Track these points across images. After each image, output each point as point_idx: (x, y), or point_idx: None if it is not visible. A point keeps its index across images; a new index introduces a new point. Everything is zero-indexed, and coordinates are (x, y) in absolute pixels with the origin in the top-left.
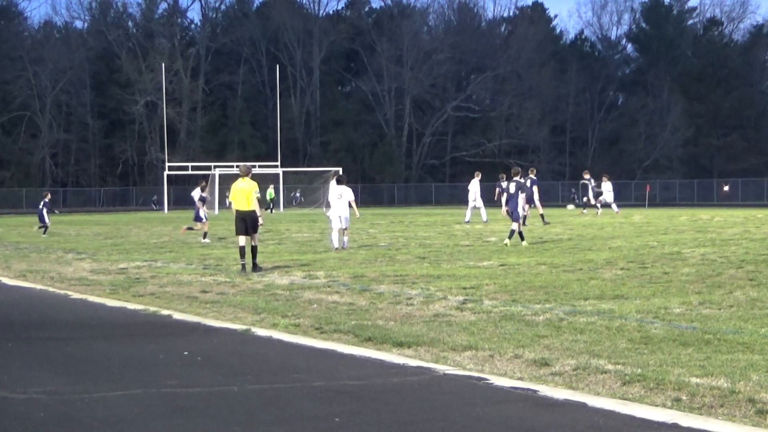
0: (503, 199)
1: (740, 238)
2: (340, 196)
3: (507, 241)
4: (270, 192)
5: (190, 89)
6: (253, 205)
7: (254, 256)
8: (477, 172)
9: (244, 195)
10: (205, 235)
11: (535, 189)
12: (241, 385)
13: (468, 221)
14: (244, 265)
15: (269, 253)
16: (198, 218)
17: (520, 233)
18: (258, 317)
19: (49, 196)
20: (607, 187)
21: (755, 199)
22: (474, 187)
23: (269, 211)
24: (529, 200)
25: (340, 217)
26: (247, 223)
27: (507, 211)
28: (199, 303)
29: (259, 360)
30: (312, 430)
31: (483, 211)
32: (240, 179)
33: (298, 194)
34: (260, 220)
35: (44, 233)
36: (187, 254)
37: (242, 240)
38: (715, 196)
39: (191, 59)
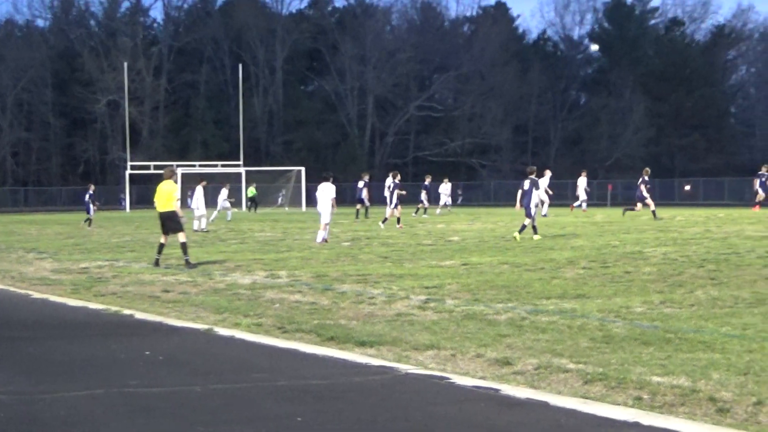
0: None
1: (701, 238)
2: (320, 193)
3: (516, 234)
4: (251, 191)
5: (153, 88)
6: (173, 206)
7: (184, 253)
8: (546, 169)
9: (164, 196)
10: (384, 221)
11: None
12: (203, 385)
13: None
14: (157, 261)
15: (231, 252)
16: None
17: (534, 227)
18: (220, 317)
19: (92, 188)
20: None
21: (716, 198)
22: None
23: (252, 210)
24: (641, 199)
25: (320, 213)
26: (166, 223)
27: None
28: (161, 302)
29: (222, 359)
30: (275, 429)
31: (545, 207)
32: (163, 181)
33: (282, 193)
34: (183, 219)
35: (89, 225)
36: (148, 254)
37: (163, 239)
38: (677, 196)
39: (154, 58)
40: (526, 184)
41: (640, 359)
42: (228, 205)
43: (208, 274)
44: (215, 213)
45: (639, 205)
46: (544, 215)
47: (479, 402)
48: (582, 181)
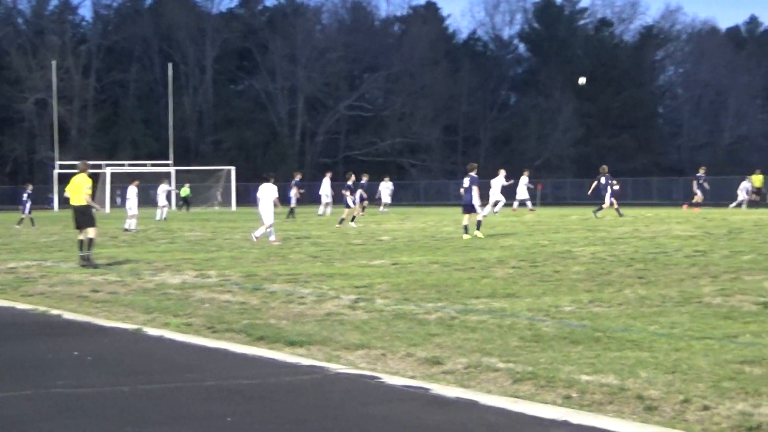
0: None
1: (630, 237)
2: (261, 194)
3: (477, 232)
4: (185, 190)
5: (81, 87)
6: (85, 200)
7: (89, 248)
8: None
9: (76, 190)
10: (353, 219)
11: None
12: (132, 385)
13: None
14: (82, 258)
15: (160, 252)
16: (347, 205)
17: (466, 227)
18: (149, 316)
19: (30, 187)
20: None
21: (645, 198)
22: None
23: (184, 210)
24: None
25: (260, 214)
26: (79, 218)
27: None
28: (90, 302)
29: (151, 359)
30: (204, 429)
31: (499, 206)
32: (77, 174)
33: (219, 193)
34: (99, 209)
35: (19, 224)
36: (77, 254)
37: (81, 235)
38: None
39: (82, 56)
40: (466, 181)
41: (569, 358)
42: (165, 203)
43: (137, 274)
44: (165, 210)
45: (614, 201)
46: (495, 213)
47: (409, 401)
48: (523, 180)
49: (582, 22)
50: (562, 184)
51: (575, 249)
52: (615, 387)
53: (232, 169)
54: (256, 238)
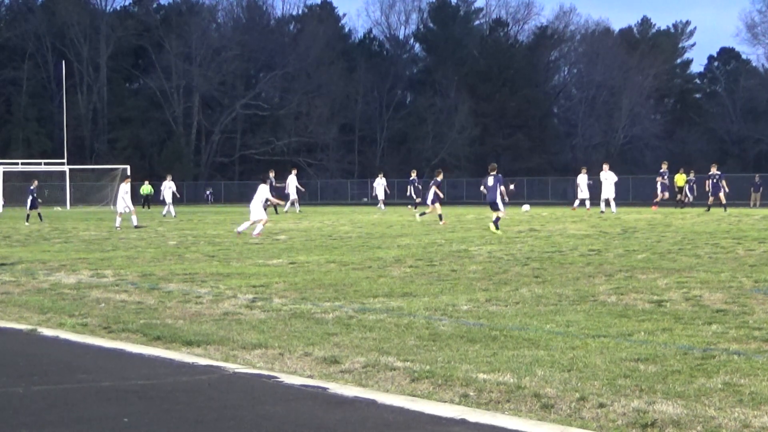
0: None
1: (526, 236)
2: (257, 194)
3: (497, 231)
4: (145, 188)
5: None
6: None
7: None
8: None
9: None
10: (440, 218)
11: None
12: (26, 387)
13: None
14: None
15: (55, 252)
16: (432, 202)
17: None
18: (44, 317)
19: None
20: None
21: (540, 197)
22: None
23: (146, 207)
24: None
25: (251, 210)
26: None
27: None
28: None
29: (46, 360)
30: (100, 430)
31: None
32: None
33: (210, 192)
34: None
35: None
36: None
37: None
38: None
39: None
40: (490, 180)
41: (466, 357)
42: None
43: (32, 274)
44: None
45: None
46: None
47: (307, 401)
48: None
49: (477, 22)
50: (459, 183)
51: (472, 248)
52: (512, 385)
53: (128, 168)
54: (239, 232)
